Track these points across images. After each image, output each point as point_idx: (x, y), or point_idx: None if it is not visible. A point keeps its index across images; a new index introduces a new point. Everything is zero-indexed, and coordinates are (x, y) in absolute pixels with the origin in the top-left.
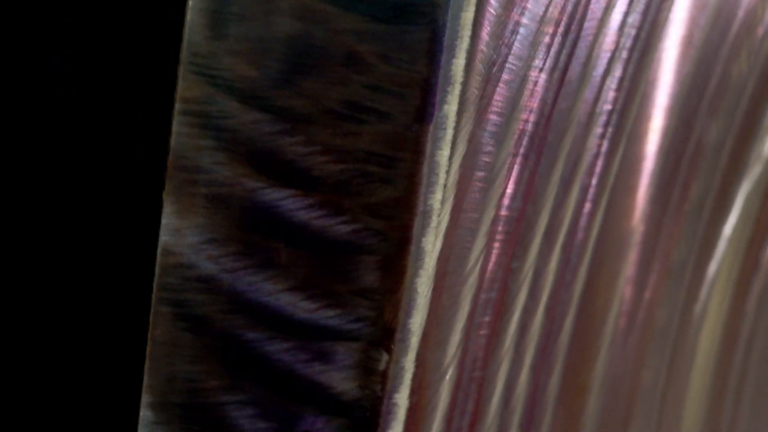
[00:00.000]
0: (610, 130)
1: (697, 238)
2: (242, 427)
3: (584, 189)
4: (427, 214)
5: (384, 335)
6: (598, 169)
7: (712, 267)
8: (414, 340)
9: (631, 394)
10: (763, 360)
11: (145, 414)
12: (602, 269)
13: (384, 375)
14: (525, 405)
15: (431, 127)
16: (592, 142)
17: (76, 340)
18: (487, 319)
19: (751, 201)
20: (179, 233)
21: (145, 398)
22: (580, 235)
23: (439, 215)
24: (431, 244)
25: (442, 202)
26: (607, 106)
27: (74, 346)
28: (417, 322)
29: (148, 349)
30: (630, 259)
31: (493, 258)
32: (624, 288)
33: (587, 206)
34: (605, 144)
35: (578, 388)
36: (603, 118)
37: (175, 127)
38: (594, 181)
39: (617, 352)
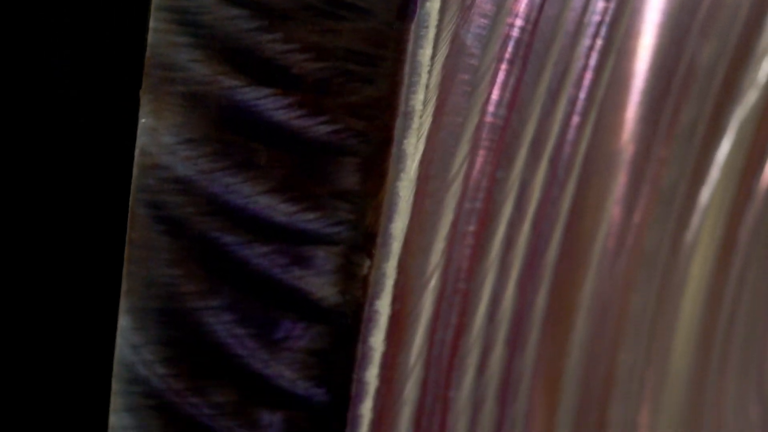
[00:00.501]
0: (599, 42)
1: (689, 163)
2: (219, 333)
3: (572, 101)
4: (408, 115)
5: (365, 240)
6: (586, 82)
7: (704, 194)
8: (396, 246)
9: (620, 318)
10: (755, 291)
11: (123, 321)
12: (590, 187)
13: (365, 281)
14: (511, 321)
15: (413, 25)
16: (580, 53)
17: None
18: (471, 228)
19: (745, 128)
20: (156, 133)
21: (123, 304)
22: (567, 149)
23: (421, 117)
24: (413, 147)
25: (425, 103)
26: (596, 17)
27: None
28: (399, 227)
29: (126, 252)
30: (619, 180)
31: (477, 165)
32: (612, 208)
33: (575, 119)
34: (594, 57)
35: (566, 308)
36: (591, 29)
37: (152, 23)
38: (582, 95)
39: (605, 274)
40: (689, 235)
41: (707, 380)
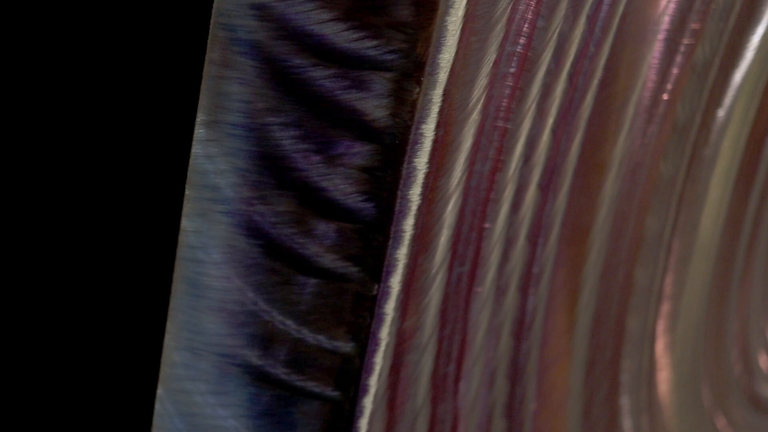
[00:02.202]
0: None
1: (723, 43)
2: (285, 146)
3: None
4: None
5: (415, 67)
6: None
7: (738, 74)
8: (442, 76)
9: (649, 181)
10: None
11: (198, 132)
12: (626, 50)
13: (413, 105)
14: (545, 165)
15: None
16: None
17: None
18: (511, 70)
19: None
20: None
21: (199, 117)
22: (604, 8)
23: None
24: None
25: None
26: None
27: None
28: (446, 58)
29: (204, 70)
30: (654, 48)
31: (519, 12)
32: (647, 73)
33: None
34: None
35: (598, 162)
36: None
37: None
38: None
39: (637, 136)
40: (722, 113)
41: (735, 258)
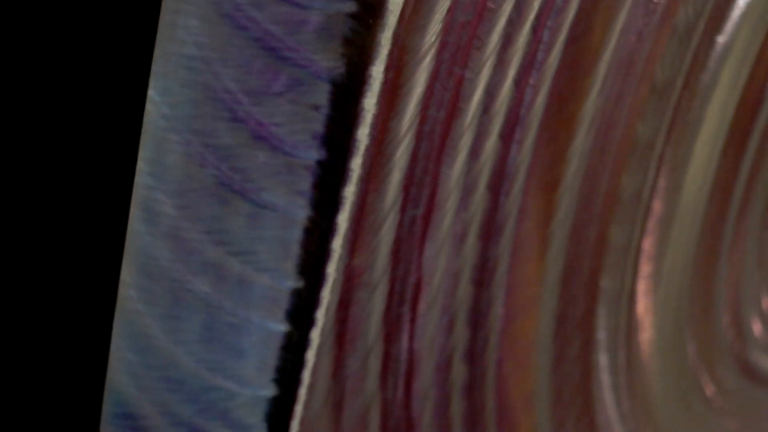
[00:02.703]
0: None
1: (708, 5)
2: (235, 82)
3: None
4: None
5: (364, 9)
6: None
7: (722, 38)
8: (392, 19)
9: (624, 141)
10: None
11: (153, 66)
12: (598, 7)
13: (362, 47)
14: (506, 115)
15: None
16: None
17: None
18: (468, 18)
19: None
20: None
21: (155, 51)
22: None
23: None
24: None
25: None
26: None
27: None
28: (396, 2)
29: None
30: (628, 6)
31: None
32: (620, 32)
33: None
34: None
35: (567, 117)
36: None
37: None
38: None
39: (610, 94)
40: (706, 77)
41: (725, 225)
